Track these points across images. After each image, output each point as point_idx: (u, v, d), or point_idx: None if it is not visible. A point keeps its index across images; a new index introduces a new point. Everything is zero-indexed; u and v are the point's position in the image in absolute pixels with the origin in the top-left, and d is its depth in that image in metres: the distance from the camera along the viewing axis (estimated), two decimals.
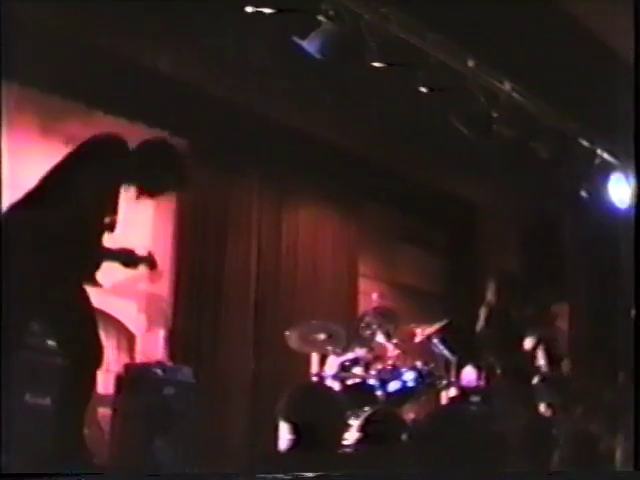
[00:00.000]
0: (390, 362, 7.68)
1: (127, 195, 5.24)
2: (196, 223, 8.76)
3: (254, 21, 6.99)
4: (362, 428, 6.48)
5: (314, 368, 8.01)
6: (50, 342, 5.80)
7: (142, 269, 5.33)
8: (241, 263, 9.02)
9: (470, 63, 8.02)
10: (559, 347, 8.66)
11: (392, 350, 7.78)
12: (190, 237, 8.69)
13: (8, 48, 5.00)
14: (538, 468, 5.15)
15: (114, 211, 5.09)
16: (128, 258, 5.18)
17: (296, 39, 6.95)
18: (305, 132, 8.71)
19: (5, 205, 5.01)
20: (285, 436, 4.25)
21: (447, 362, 8.19)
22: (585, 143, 9.37)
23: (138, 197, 5.29)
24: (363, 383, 7.57)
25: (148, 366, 7.32)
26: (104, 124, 7.32)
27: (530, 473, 4.89)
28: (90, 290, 5.07)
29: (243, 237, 9.11)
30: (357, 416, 6.77)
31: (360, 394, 7.40)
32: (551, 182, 9.76)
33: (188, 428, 7.06)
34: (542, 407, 7.53)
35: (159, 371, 7.14)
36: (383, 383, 7.51)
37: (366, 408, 7.00)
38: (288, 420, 4.29)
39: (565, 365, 8.45)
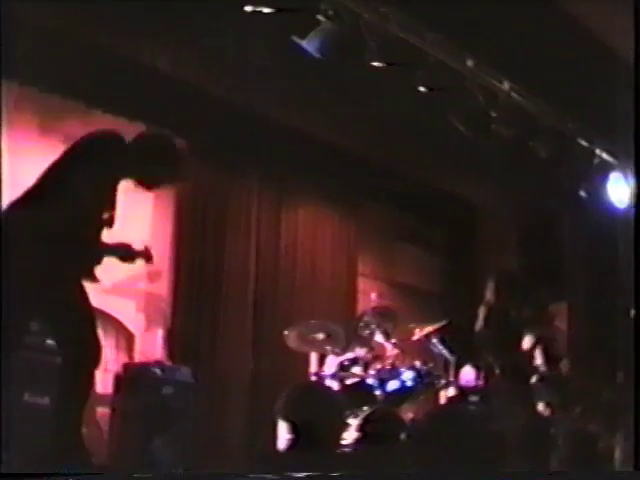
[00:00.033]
0: (389, 362, 7.68)
1: (126, 191, 5.26)
2: (195, 223, 8.76)
3: (253, 21, 6.99)
4: (361, 428, 6.48)
5: (313, 368, 8.01)
6: (49, 341, 5.80)
7: (140, 268, 5.34)
8: (240, 262, 9.02)
9: (469, 63, 8.02)
10: (558, 347, 8.65)
11: (391, 350, 7.78)
12: (189, 237, 8.69)
13: (8, 48, 5.00)
14: (537, 468, 5.15)
15: (112, 206, 5.11)
16: (125, 252, 5.19)
17: (295, 38, 6.94)
18: (304, 132, 8.71)
19: (4, 204, 5.02)
20: (284, 435, 4.25)
21: (446, 362, 8.19)
22: (584, 143, 9.37)
23: (136, 190, 5.31)
24: (362, 383, 7.57)
25: (147, 365, 7.32)
26: (103, 123, 7.30)
27: (529, 473, 4.89)
28: (89, 289, 5.07)
29: (242, 236, 9.11)
30: (356, 416, 6.77)
31: (359, 394, 7.40)
32: (550, 182, 9.76)
33: (187, 428, 7.07)
34: (541, 407, 7.53)
35: (158, 370, 7.14)
36: (382, 383, 7.51)
37: (365, 408, 7.00)
38: (287, 419, 4.28)
39: (564, 365, 8.45)
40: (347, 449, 6.13)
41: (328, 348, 7.78)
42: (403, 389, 7.59)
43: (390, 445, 5.73)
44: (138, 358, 8.08)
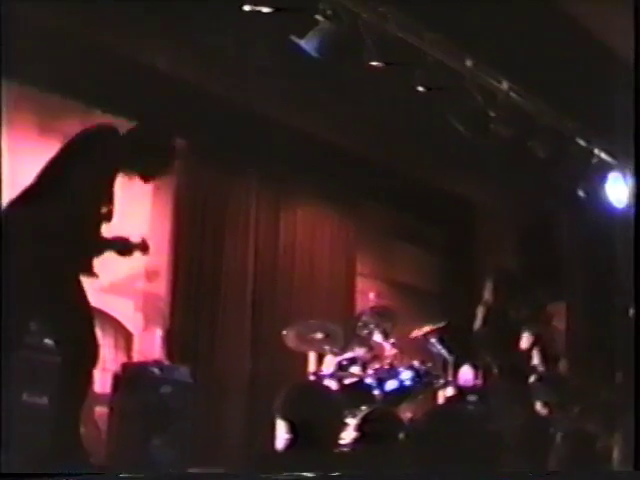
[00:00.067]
0: (387, 361, 7.69)
1: (124, 190, 5.27)
2: (194, 222, 8.76)
3: (252, 20, 6.99)
4: (359, 427, 6.48)
5: (311, 367, 8.03)
6: (47, 341, 5.80)
7: (139, 267, 5.35)
8: (239, 262, 9.02)
9: (468, 62, 8.02)
10: (556, 346, 8.67)
11: (389, 349, 7.78)
12: (188, 236, 8.69)
13: (7, 47, 5.00)
14: (535, 467, 5.15)
15: (110, 201, 5.12)
16: (123, 246, 5.20)
17: (294, 38, 6.94)
18: (303, 131, 8.71)
19: (4, 203, 5.03)
20: (282, 435, 4.24)
21: (444, 361, 8.20)
22: (582, 143, 9.37)
23: (134, 184, 5.33)
24: (360, 382, 7.57)
25: (145, 365, 7.32)
26: None
27: (527, 473, 4.89)
28: (87, 288, 5.07)
29: (241, 236, 9.11)
30: (354, 415, 6.77)
31: (357, 393, 7.40)
32: (549, 181, 9.77)
33: (185, 427, 7.06)
34: (539, 406, 7.53)
35: (156, 370, 7.13)
36: (380, 382, 7.51)
37: (363, 407, 7.00)
38: (285, 419, 4.28)
39: (562, 364, 8.46)
40: (345, 449, 6.12)
41: (326, 348, 7.78)
42: (401, 389, 7.59)
43: (388, 445, 5.72)
44: (136, 357, 8.08)
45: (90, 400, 6.27)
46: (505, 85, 8.39)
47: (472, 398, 7.86)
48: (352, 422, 6.61)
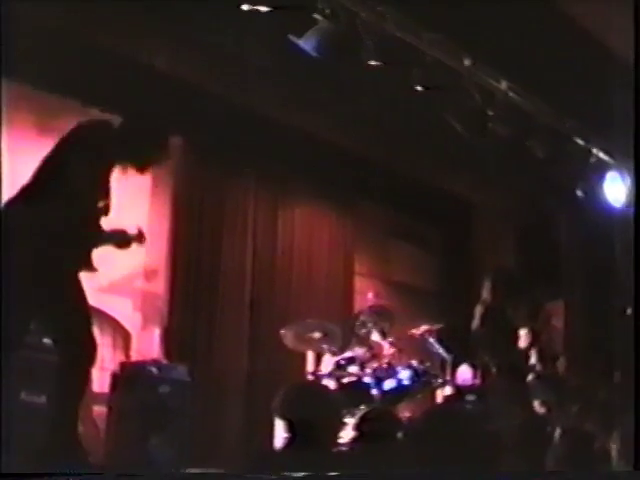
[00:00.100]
0: (385, 360, 7.69)
1: (122, 186, 5.28)
2: (192, 221, 8.76)
3: (250, 19, 6.98)
4: (357, 426, 6.46)
5: (310, 367, 8.02)
6: (45, 340, 5.80)
7: (137, 266, 5.34)
8: (237, 262, 9.02)
9: (466, 62, 8.01)
10: (554, 345, 8.67)
11: (387, 348, 7.79)
12: (186, 235, 8.69)
13: (7, 48, 5.00)
14: (534, 467, 5.15)
15: (107, 194, 5.13)
16: (121, 238, 5.21)
17: (292, 37, 6.94)
18: (301, 130, 8.71)
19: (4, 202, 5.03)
20: (280, 434, 4.25)
21: (442, 361, 8.20)
22: (581, 142, 9.37)
23: (131, 182, 5.35)
24: (359, 381, 7.57)
25: (143, 364, 7.31)
26: None
27: (526, 472, 4.89)
28: (86, 287, 5.07)
29: (239, 235, 9.11)
30: (352, 414, 6.77)
31: (355, 392, 7.40)
32: (546, 181, 9.76)
33: (183, 426, 7.06)
34: (537, 405, 7.53)
35: (154, 369, 7.13)
36: (379, 381, 7.52)
37: (362, 406, 7.01)
38: (283, 418, 4.29)
39: (560, 363, 8.46)
40: (344, 448, 6.12)
41: (325, 347, 7.78)
42: (400, 388, 7.59)
43: (387, 444, 5.71)
44: (135, 357, 8.07)
45: (88, 399, 6.28)
46: (503, 84, 8.38)
47: (470, 397, 7.86)
48: (350, 421, 6.60)
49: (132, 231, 5.28)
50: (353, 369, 7.65)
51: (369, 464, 4.50)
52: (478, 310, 7.50)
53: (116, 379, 7.10)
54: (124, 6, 6.84)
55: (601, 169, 9.55)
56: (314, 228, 9.95)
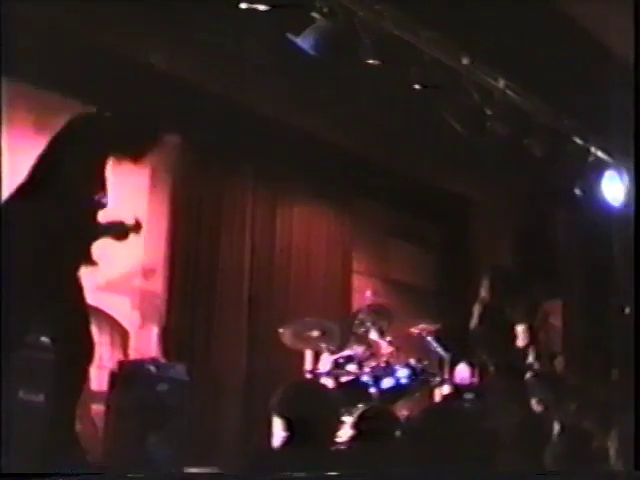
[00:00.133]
0: (384, 359, 7.69)
1: (121, 185, 5.28)
2: (190, 220, 8.76)
3: (248, 18, 6.98)
4: (355, 425, 6.46)
5: (308, 365, 8.02)
6: (43, 338, 5.79)
7: (136, 264, 5.34)
8: (235, 260, 9.02)
9: (464, 60, 8.00)
10: (552, 344, 8.67)
11: (386, 347, 7.79)
12: (184, 234, 8.68)
13: (7, 47, 5.00)
14: (532, 465, 5.15)
15: (103, 187, 5.13)
16: (119, 229, 5.22)
17: (290, 36, 6.94)
18: (299, 129, 8.71)
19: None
20: (279, 433, 4.25)
21: (441, 359, 8.20)
22: (579, 141, 9.36)
23: (130, 182, 5.36)
24: (357, 380, 7.57)
25: (142, 363, 7.31)
26: None
27: (524, 471, 4.90)
28: (84, 286, 5.07)
29: (237, 234, 9.11)
30: (351, 413, 6.76)
31: (354, 391, 7.41)
32: (545, 179, 9.76)
33: (182, 425, 7.06)
34: (535, 403, 7.54)
35: (153, 368, 7.13)
36: (377, 380, 7.52)
37: (360, 405, 7.00)
38: (282, 417, 4.28)
39: (558, 362, 8.47)
40: (342, 446, 6.12)
41: (323, 346, 7.79)
42: (398, 386, 7.60)
43: (385, 443, 5.71)
44: (133, 355, 8.07)
45: (86, 398, 6.28)
46: (502, 83, 8.37)
47: (468, 396, 7.87)
48: (348, 420, 6.61)
49: (129, 221, 5.29)
50: (351, 367, 7.65)
51: (367, 462, 4.50)
52: (476, 309, 7.50)
53: (114, 378, 7.10)
54: (124, 6, 6.83)
55: (600, 168, 9.54)
56: (312, 226, 9.94)
